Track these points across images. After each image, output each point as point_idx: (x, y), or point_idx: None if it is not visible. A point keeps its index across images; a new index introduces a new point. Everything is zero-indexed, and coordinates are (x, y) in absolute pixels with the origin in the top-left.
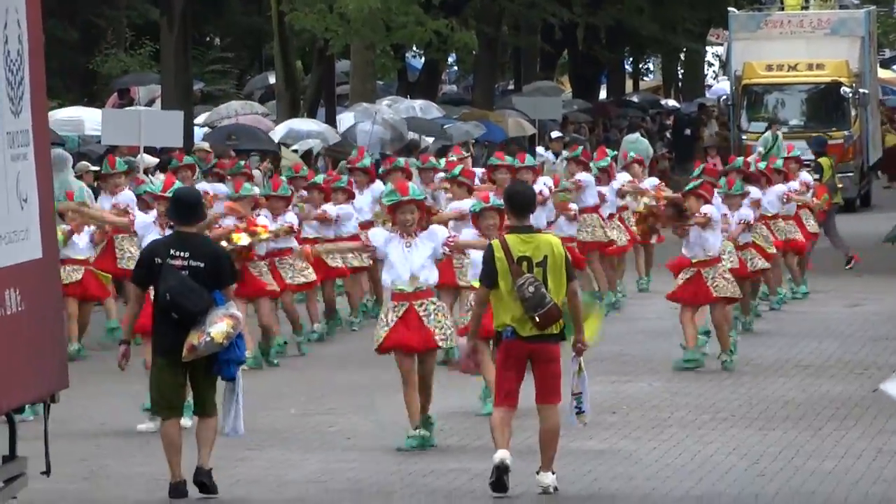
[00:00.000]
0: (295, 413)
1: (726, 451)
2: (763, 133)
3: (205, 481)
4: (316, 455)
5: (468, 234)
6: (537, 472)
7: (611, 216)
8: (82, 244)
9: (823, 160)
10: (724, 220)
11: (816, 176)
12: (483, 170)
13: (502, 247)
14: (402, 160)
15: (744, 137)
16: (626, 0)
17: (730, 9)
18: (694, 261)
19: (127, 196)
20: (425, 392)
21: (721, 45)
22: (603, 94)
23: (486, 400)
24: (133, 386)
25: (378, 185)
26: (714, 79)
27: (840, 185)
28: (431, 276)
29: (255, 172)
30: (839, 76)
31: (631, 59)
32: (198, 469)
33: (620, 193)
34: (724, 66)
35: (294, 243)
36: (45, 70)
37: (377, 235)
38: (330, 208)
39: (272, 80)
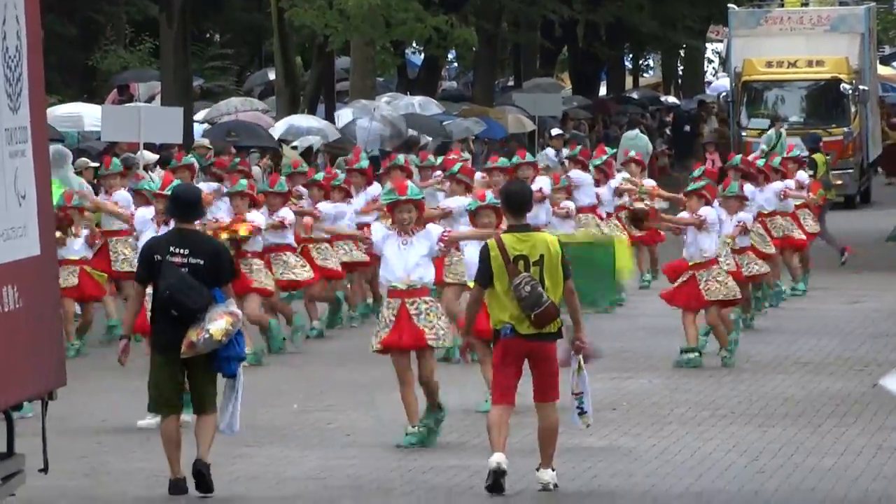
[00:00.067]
0: (298, 410)
1: (726, 448)
2: (766, 131)
3: (202, 471)
4: (315, 452)
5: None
6: (537, 469)
7: (608, 215)
8: (77, 245)
9: (818, 156)
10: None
11: (811, 172)
12: (482, 174)
13: (498, 246)
14: (401, 158)
15: (743, 134)
16: None
17: (730, 5)
18: (690, 263)
19: (122, 196)
20: (429, 392)
21: (721, 41)
22: (603, 91)
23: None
24: (133, 382)
25: (374, 188)
26: (714, 75)
27: (839, 182)
28: (427, 275)
29: (255, 169)
30: (839, 73)
31: (631, 55)
32: (197, 459)
33: (618, 192)
34: (724, 62)
35: (290, 239)
36: (45, 66)
37: (377, 231)
38: (327, 206)
39: (272, 76)
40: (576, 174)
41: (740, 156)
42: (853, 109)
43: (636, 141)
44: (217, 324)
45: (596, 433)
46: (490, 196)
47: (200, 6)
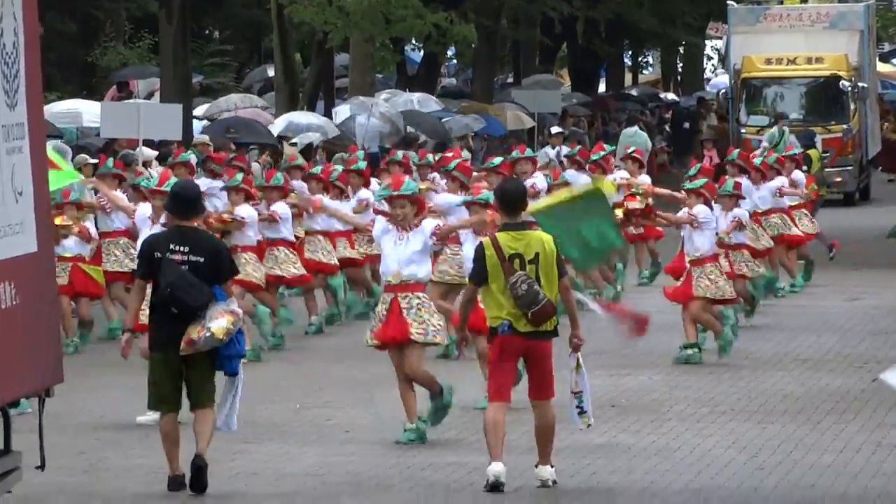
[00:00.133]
0: (300, 408)
1: (725, 445)
2: (769, 128)
3: (201, 466)
4: (314, 448)
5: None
6: (536, 466)
7: None
8: (70, 242)
9: (812, 152)
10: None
11: (805, 168)
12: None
13: (493, 245)
14: (400, 153)
15: (742, 131)
16: None
17: (729, 2)
18: (688, 259)
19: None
20: (422, 384)
21: (720, 38)
22: (602, 88)
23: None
24: (132, 379)
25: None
26: (713, 72)
27: (839, 179)
28: (420, 271)
29: (255, 166)
30: (838, 70)
31: (630, 52)
32: (196, 454)
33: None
34: (723, 59)
35: (284, 234)
36: (44, 62)
37: (378, 225)
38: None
39: (271, 72)
40: (571, 174)
41: (738, 150)
42: (852, 106)
43: (635, 138)
44: (218, 322)
45: (595, 430)
46: (485, 193)
47: (200, 2)
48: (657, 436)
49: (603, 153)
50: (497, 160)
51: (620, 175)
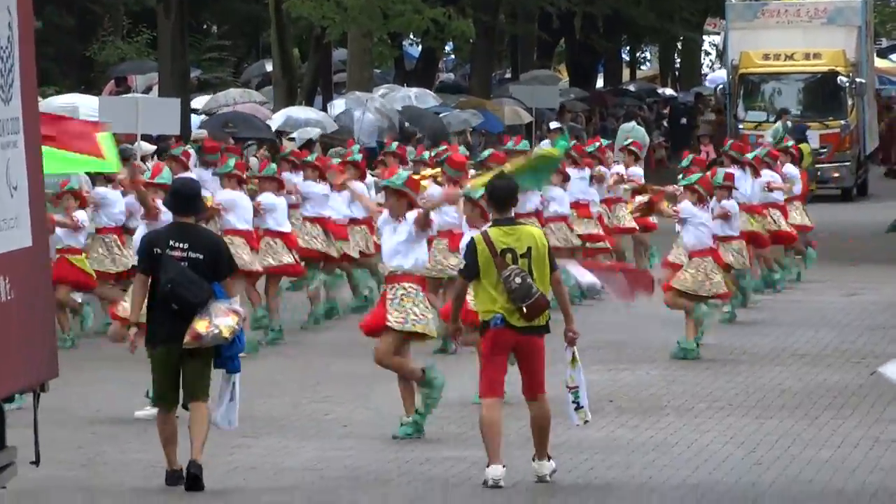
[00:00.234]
0: (299, 403)
1: (723, 440)
2: (772, 124)
3: (197, 475)
4: (312, 443)
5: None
6: (533, 460)
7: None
8: (60, 232)
9: (804, 146)
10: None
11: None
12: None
13: (485, 240)
14: (395, 145)
15: (740, 127)
16: None
17: None
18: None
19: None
20: (396, 371)
21: (718, 34)
22: (600, 83)
23: None
24: (129, 373)
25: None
26: (711, 68)
27: (837, 175)
28: (406, 262)
29: (253, 160)
30: (836, 65)
31: (628, 47)
32: (191, 462)
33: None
34: (721, 55)
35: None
36: (42, 57)
37: (384, 213)
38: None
39: (269, 67)
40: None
41: (732, 142)
42: (850, 102)
43: (633, 133)
44: (225, 321)
45: (593, 425)
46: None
47: None
48: (655, 431)
49: (598, 144)
50: (486, 153)
51: (616, 170)
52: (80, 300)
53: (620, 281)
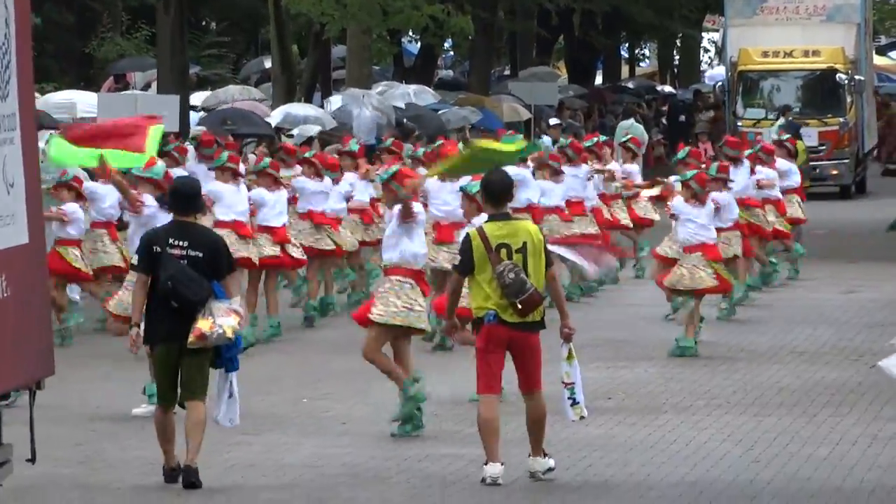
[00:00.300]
0: (297, 400)
1: (721, 438)
2: (776, 121)
3: (192, 481)
4: (311, 440)
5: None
6: (529, 457)
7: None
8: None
9: (798, 144)
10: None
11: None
12: None
13: (480, 235)
14: (390, 140)
15: (739, 124)
16: None
17: None
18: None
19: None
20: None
21: (717, 31)
22: (599, 80)
23: None
24: (129, 371)
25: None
26: (710, 65)
27: (835, 172)
28: (394, 255)
29: (251, 157)
30: (835, 63)
31: (627, 44)
32: (186, 467)
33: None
34: (720, 52)
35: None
36: (42, 54)
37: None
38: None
39: (268, 64)
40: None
41: (727, 136)
42: (849, 100)
43: (632, 130)
44: (228, 321)
45: (591, 422)
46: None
47: None
48: (653, 428)
49: (595, 140)
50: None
51: (610, 166)
52: (78, 297)
53: (588, 250)
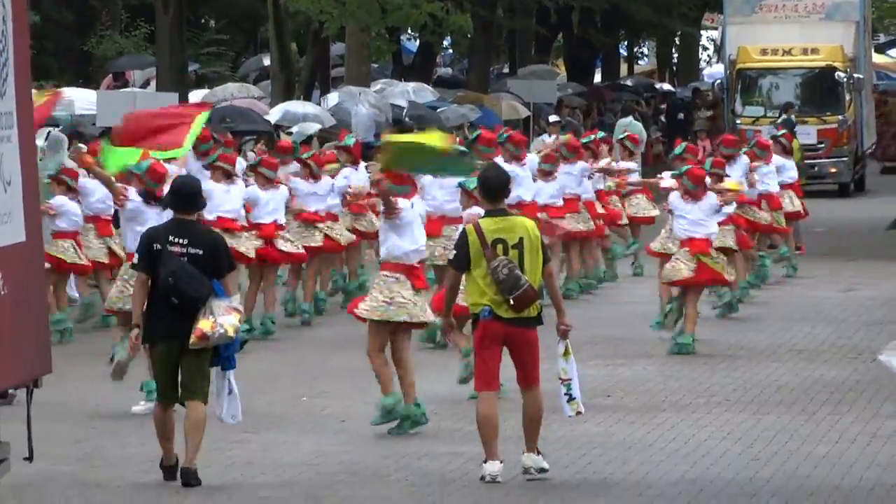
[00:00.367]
0: (296, 398)
1: (720, 436)
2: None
3: (191, 482)
4: (309, 438)
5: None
6: (523, 453)
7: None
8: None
9: (794, 142)
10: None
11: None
12: None
13: (476, 231)
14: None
15: (738, 122)
16: None
17: None
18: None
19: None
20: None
21: (716, 29)
22: (598, 78)
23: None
24: (129, 369)
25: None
26: (708, 63)
27: (833, 170)
28: (383, 251)
29: (250, 155)
30: (834, 61)
31: (626, 42)
32: (183, 469)
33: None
34: (719, 50)
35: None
36: (41, 52)
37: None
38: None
39: (267, 62)
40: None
41: (724, 135)
42: (848, 97)
43: (630, 128)
44: (229, 320)
45: (590, 420)
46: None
47: None
48: (652, 426)
49: (593, 137)
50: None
51: (603, 162)
52: (77, 295)
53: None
